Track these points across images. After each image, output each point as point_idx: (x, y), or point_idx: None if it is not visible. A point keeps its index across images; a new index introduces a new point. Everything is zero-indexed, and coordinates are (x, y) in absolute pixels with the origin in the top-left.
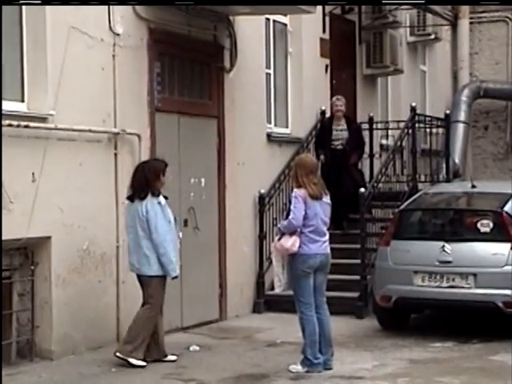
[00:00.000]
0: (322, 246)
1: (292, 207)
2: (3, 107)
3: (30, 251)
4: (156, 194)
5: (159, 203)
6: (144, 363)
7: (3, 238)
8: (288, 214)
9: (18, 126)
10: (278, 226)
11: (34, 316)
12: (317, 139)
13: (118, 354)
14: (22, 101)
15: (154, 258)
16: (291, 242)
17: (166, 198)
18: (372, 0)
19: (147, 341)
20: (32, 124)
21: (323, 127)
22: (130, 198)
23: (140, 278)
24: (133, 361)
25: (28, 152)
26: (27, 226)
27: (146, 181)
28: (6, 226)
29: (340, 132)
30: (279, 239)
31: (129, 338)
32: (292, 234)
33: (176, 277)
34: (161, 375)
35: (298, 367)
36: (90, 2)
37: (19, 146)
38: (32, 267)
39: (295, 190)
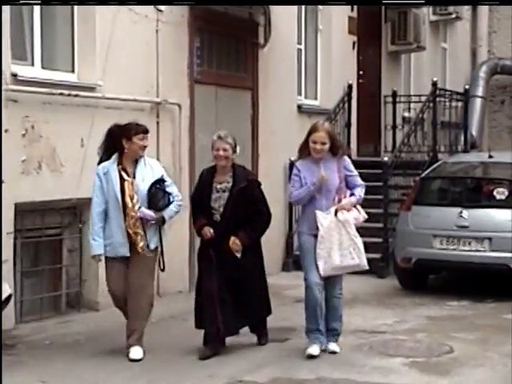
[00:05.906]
0: None
1: (356, 173)
2: (55, 77)
3: (79, 211)
4: (101, 161)
5: (97, 174)
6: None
7: (55, 197)
8: (341, 183)
9: (68, 95)
10: (359, 196)
11: (81, 271)
12: (194, 201)
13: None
14: (73, 71)
15: None
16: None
17: (124, 170)
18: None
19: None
20: (82, 93)
21: (201, 183)
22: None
23: None
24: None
25: (77, 119)
26: (76, 188)
27: (102, 145)
28: (57, 187)
29: (222, 194)
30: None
31: None
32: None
33: (99, 255)
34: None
35: None
36: (90, 1)
37: (70, 113)
38: (80, 225)
39: (345, 157)
